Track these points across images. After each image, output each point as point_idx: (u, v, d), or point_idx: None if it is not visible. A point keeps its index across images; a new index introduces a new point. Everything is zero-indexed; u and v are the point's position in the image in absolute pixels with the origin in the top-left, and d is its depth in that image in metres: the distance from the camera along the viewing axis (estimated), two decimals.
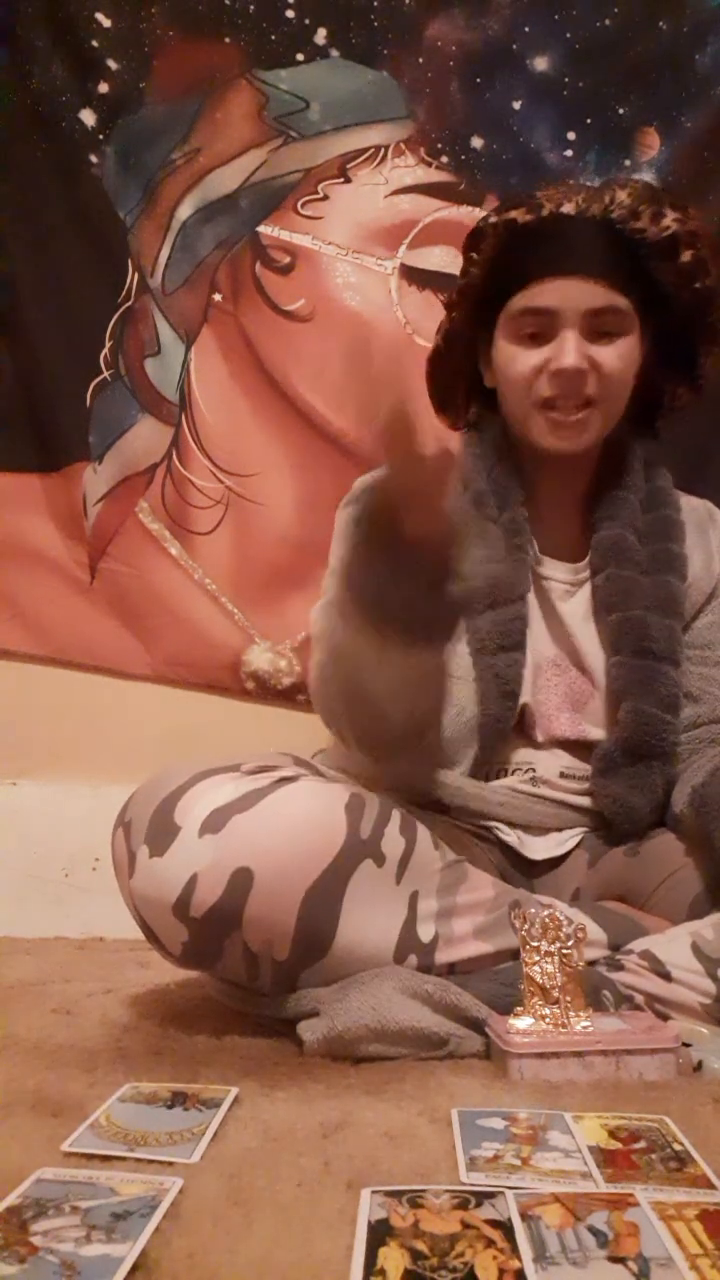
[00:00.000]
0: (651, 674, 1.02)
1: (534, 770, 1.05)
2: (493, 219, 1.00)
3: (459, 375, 1.12)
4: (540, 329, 0.98)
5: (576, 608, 1.08)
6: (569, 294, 0.96)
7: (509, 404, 1.04)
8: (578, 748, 1.06)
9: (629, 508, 1.07)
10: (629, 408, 1.05)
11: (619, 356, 0.99)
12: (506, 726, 1.02)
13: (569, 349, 0.96)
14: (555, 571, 1.08)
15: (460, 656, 1.01)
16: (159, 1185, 0.52)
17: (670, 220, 0.97)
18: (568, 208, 0.98)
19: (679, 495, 1.12)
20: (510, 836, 1.03)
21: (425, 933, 0.80)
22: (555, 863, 1.05)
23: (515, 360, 1.00)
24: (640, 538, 1.06)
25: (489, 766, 1.04)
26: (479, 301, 1.04)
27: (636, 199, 0.97)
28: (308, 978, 0.78)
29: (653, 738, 1.01)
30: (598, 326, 0.97)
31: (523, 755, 1.06)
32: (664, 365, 1.08)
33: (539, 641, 1.07)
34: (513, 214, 0.99)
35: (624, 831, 1.02)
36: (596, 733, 1.06)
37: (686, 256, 0.98)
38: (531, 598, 1.06)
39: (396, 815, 0.82)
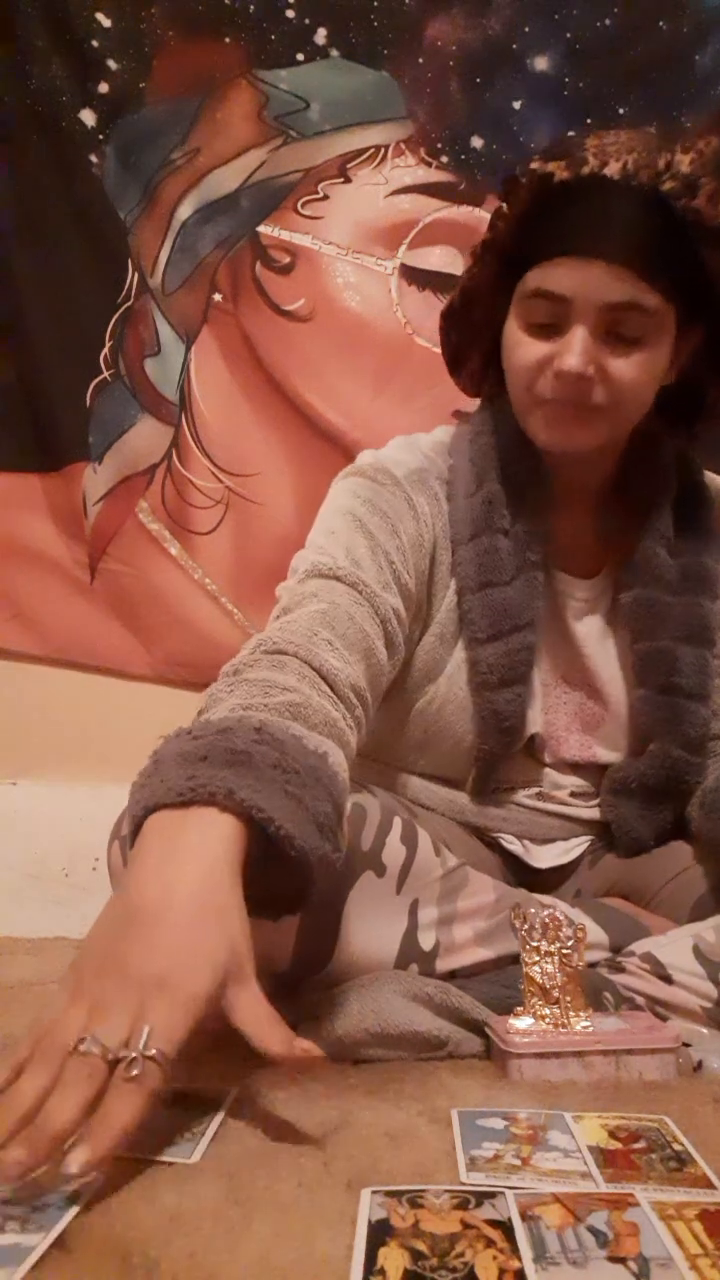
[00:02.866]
0: (679, 713, 0.96)
1: (540, 788, 1.03)
2: (534, 166, 0.84)
3: (477, 338, 0.98)
4: (552, 318, 0.85)
5: (592, 627, 1.01)
6: (587, 281, 0.82)
7: (511, 393, 0.93)
8: (587, 767, 1.03)
9: (659, 514, 0.97)
10: (667, 405, 0.94)
11: (636, 367, 0.85)
12: (504, 757, 0.99)
13: (575, 349, 0.84)
14: (571, 588, 1.01)
15: (459, 686, 0.97)
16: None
17: None
18: (612, 168, 0.81)
19: (710, 486, 1.03)
20: (515, 846, 1.02)
21: (426, 941, 0.79)
22: (560, 869, 1.04)
23: (519, 348, 0.89)
24: (670, 549, 0.97)
25: (492, 786, 1.02)
26: (505, 261, 0.91)
27: (700, 167, 0.80)
28: (309, 986, 0.78)
29: (676, 781, 0.97)
30: (617, 326, 0.84)
31: (528, 774, 1.03)
32: (710, 364, 0.95)
33: (548, 660, 1.01)
34: (551, 166, 0.83)
35: (626, 849, 1.01)
36: (608, 755, 1.02)
37: None
38: (552, 620, 1.00)
39: (398, 824, 0.81)
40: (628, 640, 0.99)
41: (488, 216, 0.92)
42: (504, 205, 0.89)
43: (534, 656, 0.96)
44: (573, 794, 1.04)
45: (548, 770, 1.03)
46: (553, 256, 0.84)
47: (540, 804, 1.03)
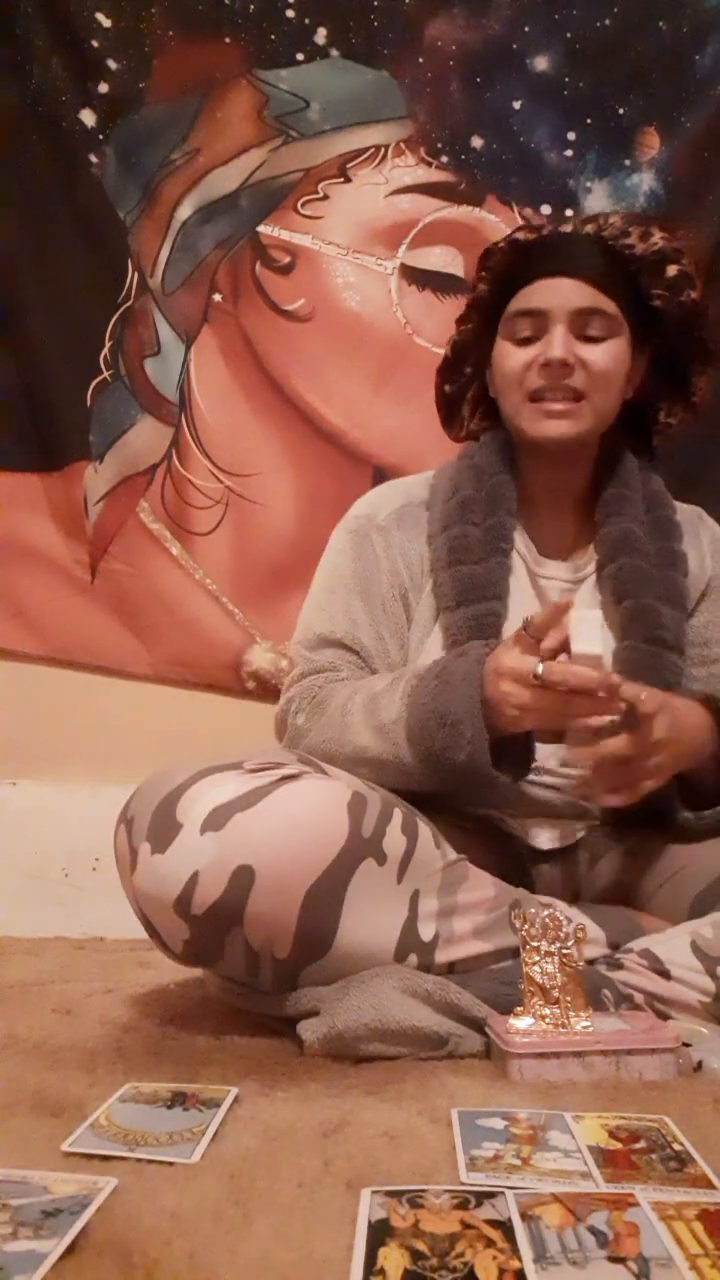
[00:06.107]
0: (660, 661, 1.01)
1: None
2: (501, 243, 1.08)
3: (466, 386, 1.15)
4: (534, 330, 1.03)
5: (580, 600, 1.06)
6: (559, 292, 1.02)
7: (503, 400, 1.07)
8: None
9: (632, 505, 1.08)
10: (625, 420, 1.08)
11: (607, 355, 1.02)
12: None
13: (557, 342, 1.01)
14: (555, 571, 1.08)
15: (433, 656, 1.00)
16: (92, 1184, 0.52)
17: (658, 238, 1.04)
18: (566, 227, 1.09)
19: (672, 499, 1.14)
20: (513, 826, 1.03)
21: (426, 931, 0.80)
22: (559, 856, 1.04)
23: (508, 357, 1.05)
24: (644, 534, 1.07)
25: None
26: (487, 315, 1.09)
27: (628, 221, 1.07)
28: (308, 976, 0.78)
29: None
30: (585, 328, 1.02)
31: None
32: (660, 384, 1.12)
33: None
34: (518, 235, 1.08)
35: (620, 816, 1.01)
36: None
37: (672, 271, 1.04)
38: (531, 598, 1.06)
39: (398, 814, 0.83)
40: (612, 603, 1.04)
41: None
42: (483, 271, 1.09)
43: (501, 623, 1.01)
44: (563, 763, 1.04)
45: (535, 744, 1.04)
46: (529, 283, 1.04)
47: (533, 775, 1.03)
